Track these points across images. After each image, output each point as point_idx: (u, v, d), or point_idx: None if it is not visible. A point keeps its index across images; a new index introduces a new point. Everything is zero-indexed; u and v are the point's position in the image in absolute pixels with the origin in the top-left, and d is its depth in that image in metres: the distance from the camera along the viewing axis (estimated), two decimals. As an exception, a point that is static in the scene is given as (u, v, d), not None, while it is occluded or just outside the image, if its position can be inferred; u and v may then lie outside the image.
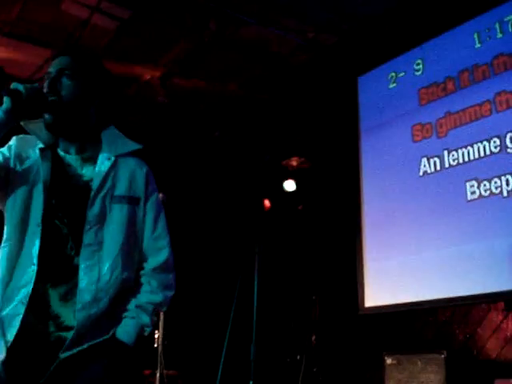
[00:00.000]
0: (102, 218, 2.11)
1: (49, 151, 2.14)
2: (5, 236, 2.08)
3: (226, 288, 6.29)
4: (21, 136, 2.17)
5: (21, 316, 1.97)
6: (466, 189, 4.70)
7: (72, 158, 2.17)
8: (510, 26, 4.68)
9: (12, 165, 2.11)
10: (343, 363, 5.60)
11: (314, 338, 5.50)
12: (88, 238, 2.07)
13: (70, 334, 2.01)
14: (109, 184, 2.15)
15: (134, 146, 2.28)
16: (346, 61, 5.87)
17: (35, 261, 2.01)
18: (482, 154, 4.67)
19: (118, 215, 2.15)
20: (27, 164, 2.12)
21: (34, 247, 2.03)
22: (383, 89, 5.59)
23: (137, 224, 2.21)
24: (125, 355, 2.10)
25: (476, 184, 4.64)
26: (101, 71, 2.24)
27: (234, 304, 5.13)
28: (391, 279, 5.15)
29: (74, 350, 2.00)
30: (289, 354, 5.88)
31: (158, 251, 2.24)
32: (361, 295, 5.35)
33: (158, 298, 2.20)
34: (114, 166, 2.18)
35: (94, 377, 2.02)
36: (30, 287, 2.00)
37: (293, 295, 6.25)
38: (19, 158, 2.13)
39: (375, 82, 5.71)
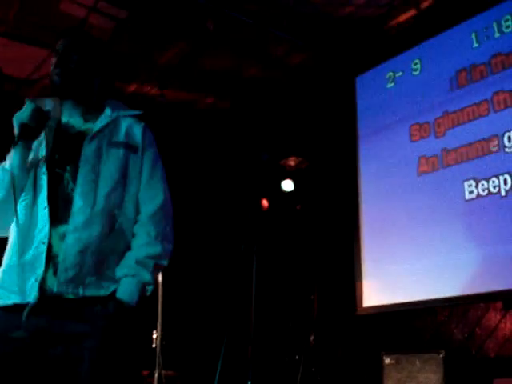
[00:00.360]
0: (98, 156, 2.20)
1: (53, 122, 2.27)
2: (23, 191, 2.19)
3: (224, 288, 6.28)
4: (32, 99, 2.28)
5: (44, 254, 2.04)
6: (464, 188, 4.71)
7: (75, 120, 2.30)
8: (507, 25, 4.68)
9: None
10: (341, 363, 5.60)
11: (312, 337, 5.49)
12: (85, 169, 2.16)
13: (58, 269, 2.04)
14: (106, 132, 2.27)
15: (134, 111, 2.41)
16: (344, 61, 5.87)
17: (45, 204, 2.11)
18: (479, 153, 4.67)
19: (114, 157, 2.23)
20: None
21: (42, 193, 2.13)
22: (381, 88, 5.59)
23: (132, 171, 2.26)
24: (127, 317, 2.07)
25: (474, 183, 4.64)
26: (101, 48, 2.42)
27: (233, 304, 5.14)
28: (389, 279, 5.15)
29: (69, 289, 2.02)
30: (287, 353, 5.88)
31: (153, 197, 2.26)
32: (359, 295, 5.35)
33: (157, 249, 2.18)
34: (113, 121, 2.32)
35: (93, 345, 1.99)
36: (47, 227, 2.08)
37: (291, 295, 6.25)
38: None
39: (373, 81, 5.71)
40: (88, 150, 2.19)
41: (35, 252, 2.06)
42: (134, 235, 2.21)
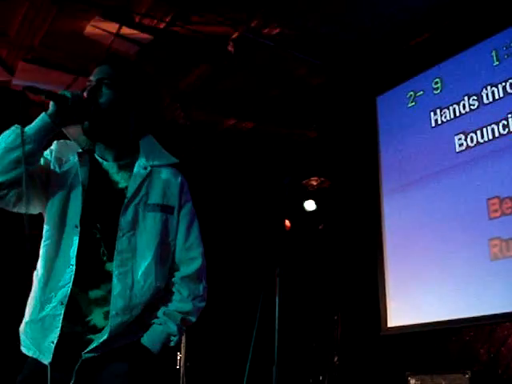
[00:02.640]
0: (134, 225, 2.13)
1: (87, 156, 2.18)
2: (44, 236, 2.13)
3: (248, 309, 6.28)
4: (61, 141, 2.23)
5: (61, 317, 2.02)
6: (487, 206, 4.68)
7: (109, 165, 2.21)
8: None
9: (52, 167, 2.18)
10: (366, 383, 5.55)
11: (336, 358, 5.46)
12: (121, 244, 2.10)
13: (96, 336, 2.04)
14: (143, 192, 2.18)
15: (170, 159, 2.31)
16: (365, 81, 5.89)
17: (73, 262, 2.06)
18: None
19: (151, 223, 2.16)
20: (66, 167, 2.18)
21: (71, 248, 2.07)
22: (402, 108, 5.60)
23: (170, 233, 2.21)
24: (147, 361, 2.11)
25: (498, 202, 4.62)
26: (141, 80, 2.28)
27: (256, 325, 5.14)
28: (414, 298, 5.12)
29: (99, 352, 2.02)
30: (311, 374, 5.85)
31: (190, 261, 2.25)
32: (383, 315, 5.31)
33: (186, 306, 2.20)
34: (149, 175, 2.20)
35: (115, 381, 2.04)
36: (68, 288, 2.04)
37: (315, 315, 6.23)
38: (59, 161, 2.19)
39: (394, 101, 5.72)
40: (124, 220, 2.12)
41: (53, 312, 2.04)
42: (167, 291, 2.22)
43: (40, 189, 2.13)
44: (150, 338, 2.12)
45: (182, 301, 2.20)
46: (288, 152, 6.89)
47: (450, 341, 5.05)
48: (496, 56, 4.86)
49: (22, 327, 2.13)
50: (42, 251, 2.12)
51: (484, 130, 4.81)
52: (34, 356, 2.05)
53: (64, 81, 5.71)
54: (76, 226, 2.08)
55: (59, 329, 2.01)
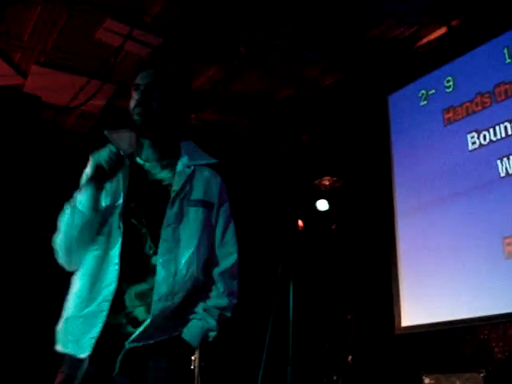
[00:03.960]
0: (179, 218, 2.25)
1: (127, 159, 2.29)
2: (95, 242, 2.24)
3: (262, 309, 6.29)
4: (94, 153, 2.29)
5: (105, 313, 2.11)
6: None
7: (152, 165, 2.34)
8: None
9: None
10: (380, 383, 5.54)
11: (350, 358, 5.46)
12: (166, 234, 2.21)
13: (138, 329, 2.12)
14: (187, 188, 2.31)
15: (210, 159, 2.46)
16: (376, 80, 5.89)
17: (117, 260, 2.16)
18: (511, 171, 4.64)
19: (193, 217, 2.29)
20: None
21: (114, 248, 2.18)
22: (414, 106, 5.58)
23: (210, 227, 2.34)
24: (187, 356, 2.24)
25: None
26: (183, 85, 2.42)
27: (270, 325, 5.15)
28: (428, 298, 5.10)
29: (141, 343, 2.11)
30: (325, 374, 5.84)
31: (226, 256, 2.38)
32: (397, 314, 5.30)
33: (223, 302, 2.32)
34: (192, 173, 2.34)
35: (156, 374, 2.14)
36: (113, 286, 2.14)
37: (328, 315, 6.23)
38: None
39: (406, 99, 5.71)
40: (170, 213, 2.24)
41: (97, 308, 2.13)
42: (205, 286, 2.32)
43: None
44: (190, 333, 2.22)
45: (219, 296, 2.31)
46: (300, 152, 6.89)
47: (464, 340, 5.03)
48: (508, 53, 4.83)
49: (60, 325, 2.20)
50: (90, 255, 2.22)
51: (497, 127, 4.79)
52: (72, 352, 2.13)
53: (77, 84, 5.75)
54: (119, 227, 2.20)
55: (101, 325, 2.10)
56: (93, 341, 2.09)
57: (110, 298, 2.12)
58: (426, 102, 5.48)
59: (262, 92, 6.20)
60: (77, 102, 5.85)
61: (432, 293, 5.05)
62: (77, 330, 2.14)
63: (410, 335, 5.31)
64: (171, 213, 2.23)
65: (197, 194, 2.33)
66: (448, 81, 5.30)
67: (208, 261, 2.32)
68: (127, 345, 2.10)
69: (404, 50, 5.47)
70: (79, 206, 2.16)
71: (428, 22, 5.14)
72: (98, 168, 2.16)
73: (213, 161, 2.45)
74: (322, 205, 6.35)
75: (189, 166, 2.35)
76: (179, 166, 2.33)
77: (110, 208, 2.23)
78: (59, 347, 2.18)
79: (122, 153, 2.23)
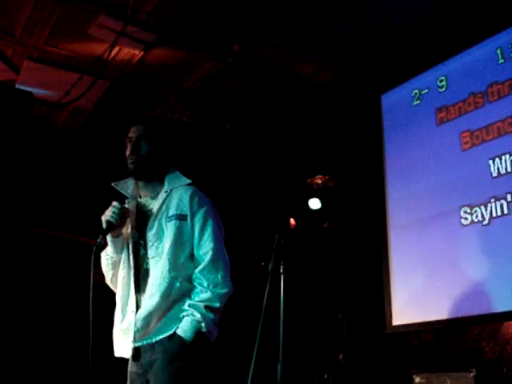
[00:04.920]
0: (159, 235, 2.84)
1: (133, 202, 2.94)
2: (121, 266, 2.92)
3: (252, 307, 6.28)
4: (116, 183, 2.99)
5: (133, 320, 2.76)
6: (493, 208, 4.67)
7: (146, 200, 2.96)
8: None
9: None
10: (371, 382, 5.55)
11: (341, 356, 5.46)
12: (151, 252, 2.84)
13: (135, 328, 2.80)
14: (163, 209, 2.88)
15: (185, 181, 2.97)
16: (369, 79, 5.89)
17: (133, 278, 2.85)
18: (502, 171, 4.65)
19: (172, 230, 2.82)
20: None
21: (130, 267, 2.87)
22: (407, 106, 5.59)
23: (184, 234, 2.83)
24: (183, 350, 2.68)
25: (506, 203, 4.61)
26: (166, 134, 3.04)
27: (261, 323, 5.13)
28: (419, 297, 5.11)
29: (144, 342, 2.76)
30: (316, 372, 5.85)
31: (204, 255, 2.81)
32: (388, 313, 5.31)
33: (206, 295, 2.76)
34: (168, 196, 2.90)
35: (156, 370, 2.71)
36: (134, 298, 2.80)
37: (319, 313, 6.23)
38: None
39: (399, 99, 5.71)
40: (150, 234, 2.86)
41: (129, 319, 2.79)
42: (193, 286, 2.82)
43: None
44: (182, 328, 2.70)
45: (201, 291, 2.76)
46: (292, 150, 6.89)
47: (455, 339, 5.05)
48: (501, 54, 4.84)
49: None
50: (119, 278, 2.91)
51: (490, 128, 4.80)
52: (123, 355, 2.83)
53: (69, 80, 5.72)
54: (131, 253, 2.87)
55: (134, 331, 2.74)
56: (132, 344, 2.76)
57: (134, 308, 2.78)
58: (418, 102, 5.49)
59: (255, 90, 6.18)
60: (69, 98, 5.82)
61: (423, 292, 5.06)
62: (120, 340, 2.85)
63: (400, 334, 5.33)
64: (151, 233, 2.85)
65: (172, 210, 2.86)
66: (441, 80, 5.30)
67: (190, 262, 2.83)
68: (134, 344, 2.75)
69: (397, 49, 5.47)
70: (108, 252, 2.87)
71: (421, 21, 5.14)
72: (108, 224, 2.77)
73: (186, 182, 2.95)
74: (315, 203, 6.35)
75: (166, 191, 2.90)
76: (159, 195, 2.91)
77: (127, 240, 2.90)
78: (115, 352, 2.90)
79: (126, 204, 2.89)
